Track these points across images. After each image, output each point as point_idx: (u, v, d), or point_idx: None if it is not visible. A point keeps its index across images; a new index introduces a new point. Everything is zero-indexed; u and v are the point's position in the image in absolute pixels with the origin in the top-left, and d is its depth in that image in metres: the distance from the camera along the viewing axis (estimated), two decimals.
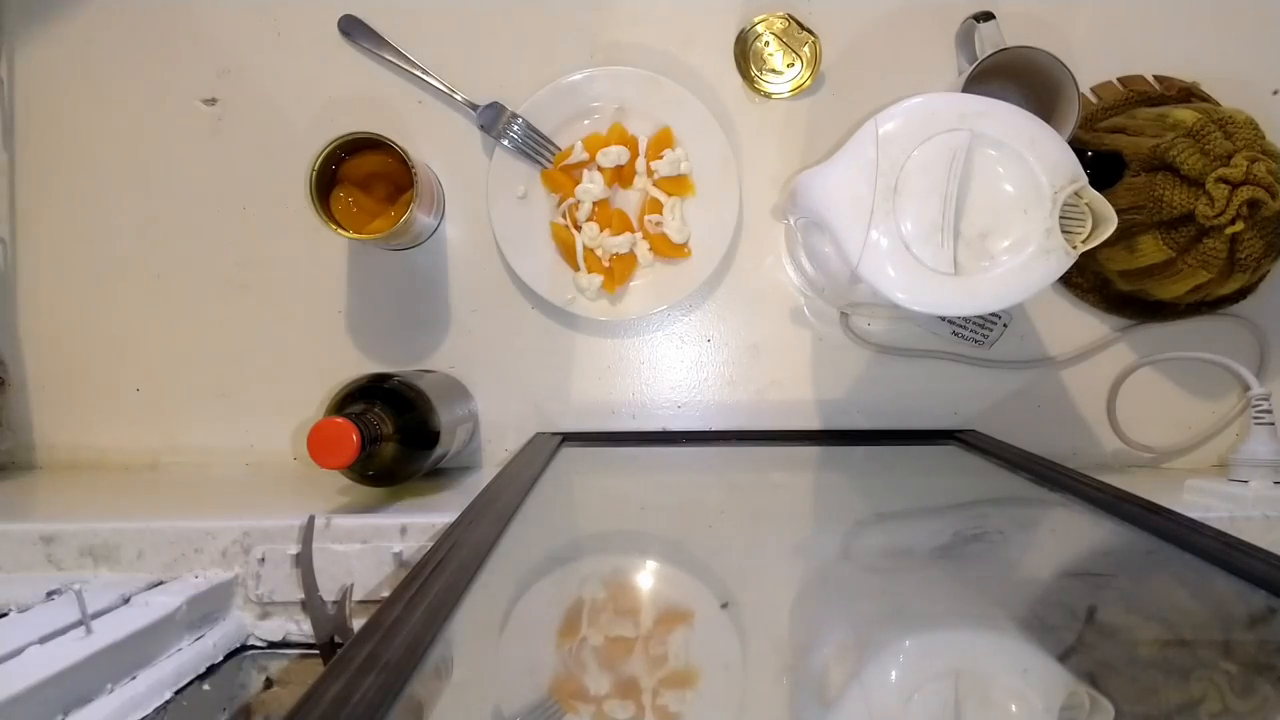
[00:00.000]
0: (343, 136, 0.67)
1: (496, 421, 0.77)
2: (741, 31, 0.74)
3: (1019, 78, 0.69)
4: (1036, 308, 0.77)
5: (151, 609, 0.50)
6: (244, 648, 0.56)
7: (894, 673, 0.37)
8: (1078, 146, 0.56)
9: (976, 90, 0.67)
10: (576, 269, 0.74)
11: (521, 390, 0.77)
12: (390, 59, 0.74)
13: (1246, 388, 0.73)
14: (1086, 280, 0.75)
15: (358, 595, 0.55)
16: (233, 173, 0.76)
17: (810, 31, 0.73)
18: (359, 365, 0.76)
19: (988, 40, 0.68)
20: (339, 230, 0.67)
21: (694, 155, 0.74)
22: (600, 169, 0.73)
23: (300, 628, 0.57)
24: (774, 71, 0.75)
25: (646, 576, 0.50)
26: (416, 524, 0.57)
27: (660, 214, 0.74)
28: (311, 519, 0.57)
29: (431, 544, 0.44)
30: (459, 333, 0.77)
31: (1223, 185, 0.62)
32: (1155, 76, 0.74)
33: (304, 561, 0.55)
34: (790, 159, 0.76)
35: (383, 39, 0.75)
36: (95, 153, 0.76)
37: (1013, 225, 0.54)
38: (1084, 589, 0.46)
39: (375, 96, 0.76)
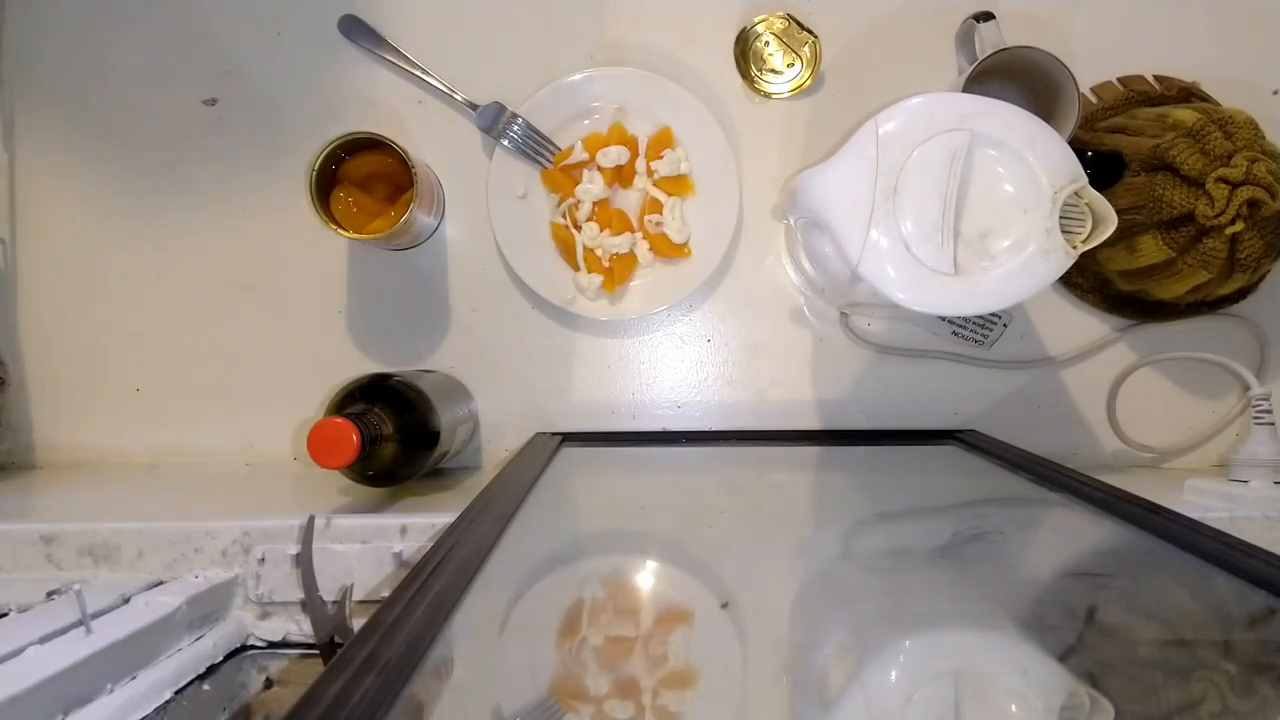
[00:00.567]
0: (343, 136, 0.67)
1: (496, 421, 0.77)
2: (741, 31, 0.74)
3: (1019, 78, 0.69)
4: (1036, 308, 0.77)
5: (151, 609, 0.50)
6: (244, 648, 0.56)
7: (894, 673, 0.37)
8: (1078, 146, 0.56)
9: (976, 90, 0.67)
10: (576, 269, 0.74)
11: (521, 390, 0.77)
12: (390, 59, 0.74)
13: (1246, 388, 0.73)
14: (1086, 280, 0.75)
15: (358, 595, 0.55)
16: (233, 173, 0.76)
17: (810, 31, 0.73)
18: (359, 365, 0.76)
19: (988, 40, 0.68)
20: (339, 230, 0.67)
21: (694, 155, 0.74)
22: (600, 169, 0.73)
23: (300, 628, 0.57)
24: (774, 71, 0.75)
25: (646, 576, 0.50)
26: (416, 524, 0.57)
27: (660, 214, 0.74)
28: (311, 519, 0.57)
29: (431, 544, 0.44)
30: (459, 333, 0.77)
31: (1223, 185, 0.62)
32: (1155, 76, 0.74)
33: (304, 561, 0.55)
34: (790, 159, 0.76)
35: (383, 39, 0.75)
36: (95, 153, 0.76)
37: (1013, 225, 0.54)
38: (1084, 589, 0.46)
39: (375, 96, 0.76)
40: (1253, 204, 0.62)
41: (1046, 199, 0.54)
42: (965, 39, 0.72)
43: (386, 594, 0.50)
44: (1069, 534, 0.55)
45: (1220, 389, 0.76)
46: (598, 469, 0.71)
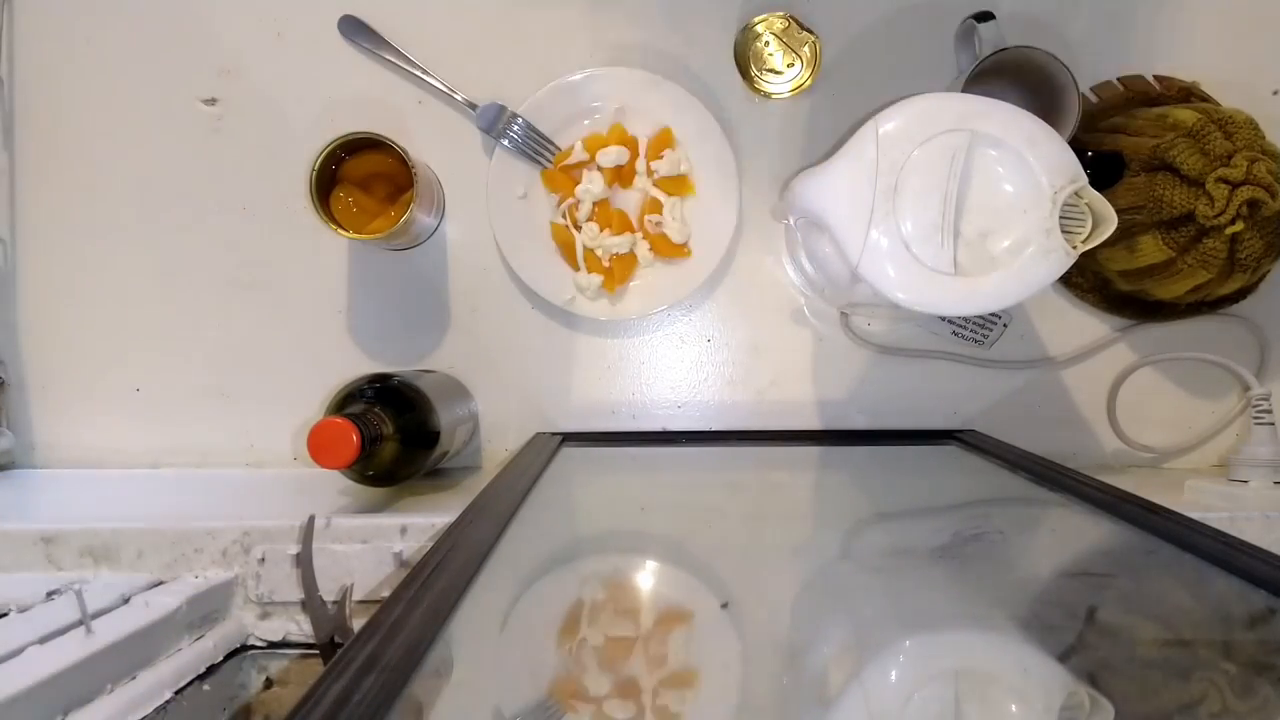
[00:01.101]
0: (343, 136, 0.67)
1: (496, 421, 0.77)
2: (741, 31, 0.74)
3: (1019, 78, 0.69)
4: (1036, 308, 0.77)
5: (151, 609, 0.50)
6: (244, 648, 0.56)
7: (894, 673, 0.37)
8: (1078, 146, 0.56)
9: (976, 90, 0.67)
10: (576, 269, 0.74)
11: (521, 390, 0.77)
12: (390, 59, 0.74)
13: (1246, 388, 0.73)
14: (1086, 280, 0.75)
15: (358, 595, 0.55)
16: (233, 173, 0.76)
17: (810, 31, 0.73)
18: (359, 365, 0.76)
19: (988, 40, 0.68)
20: (339, 230, 0.67)
21: (694, 155, 0.74)
22: (600, 169, 0.73)
23: (300, 628, 0.57)
24: (774, 71, 0.75)
25: (646, 576, 0.50)
26: (416, 524, 0.57)
27: (660, 214, 0.74)
28: (311, 519, 0.57)
29: (431, 544, 0.44)
30: (459, 333, 0.77)
31: (1223, 185, 0.62)
32: (1155, 76, 0.74)
33: (304, 561, 0.55)
34: (790, 159, 0.76)
35: (383, 39, 0.75)
36: (95, 153, 0.76)
37: (1013, 225, 0.54)
38: (1084, 589, 0.46)
39: (375, 96, 0.76)
40: (1253, 204, 0.62)
41: (1046, 199, 0.54)
42: (965, 39, 0.72)
43: (386, 594, 0.50)
44: (1069, 534, 0.55)
45: (1220, 389, 0.76)
46: (598, 469, 0.71)
